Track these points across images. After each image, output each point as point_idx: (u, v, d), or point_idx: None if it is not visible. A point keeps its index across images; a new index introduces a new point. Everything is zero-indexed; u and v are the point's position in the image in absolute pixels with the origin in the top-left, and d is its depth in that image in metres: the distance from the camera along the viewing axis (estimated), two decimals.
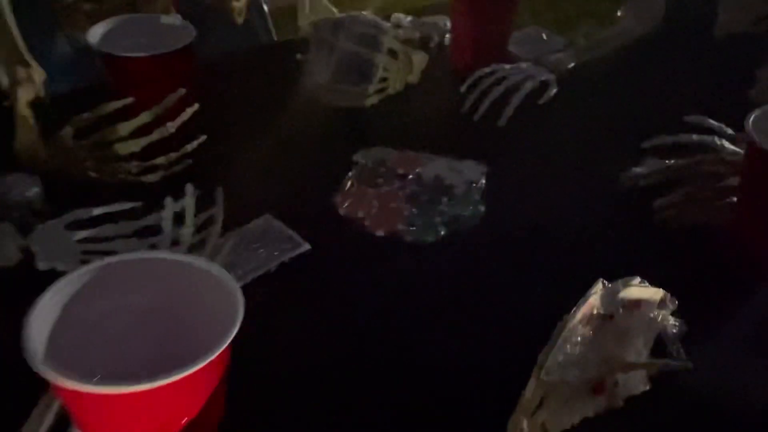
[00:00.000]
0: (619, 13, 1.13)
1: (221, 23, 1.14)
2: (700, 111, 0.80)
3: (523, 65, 0.97)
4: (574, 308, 0.45)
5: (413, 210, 0.73)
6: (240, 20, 1.14)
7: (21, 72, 0.88)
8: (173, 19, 0.81)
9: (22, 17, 0.94)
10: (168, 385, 0.36)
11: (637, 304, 0.47)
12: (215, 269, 0.42)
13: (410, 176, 0.78)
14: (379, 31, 0.90)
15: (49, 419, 0.44)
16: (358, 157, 0.82)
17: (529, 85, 0.92)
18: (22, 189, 0.71)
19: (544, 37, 1.12)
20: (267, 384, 0.55)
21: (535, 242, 0.71)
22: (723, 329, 0.61)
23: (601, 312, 0.46)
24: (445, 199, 0.75)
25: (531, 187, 0.79)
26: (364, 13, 0.92)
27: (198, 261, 0.43)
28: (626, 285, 0.47)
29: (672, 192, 0.71)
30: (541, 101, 0.92)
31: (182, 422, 0.39)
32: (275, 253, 0.66)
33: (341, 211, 0.74)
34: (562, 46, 1.08)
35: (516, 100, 0.91)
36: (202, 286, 0.42)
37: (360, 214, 0.73)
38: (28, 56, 0.90)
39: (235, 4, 1.11)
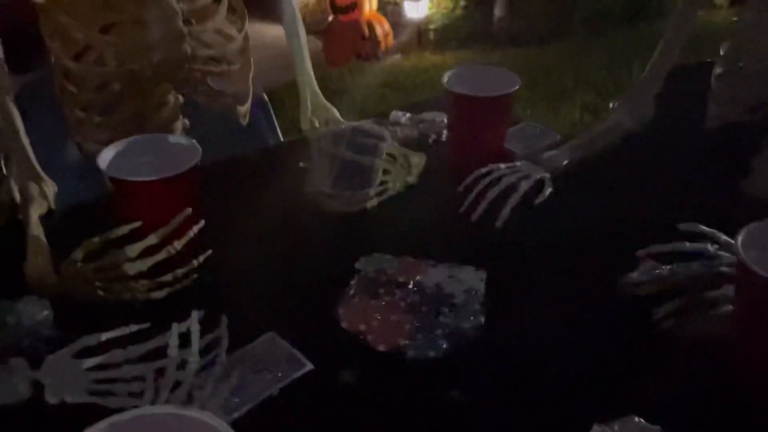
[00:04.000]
0: (611, 106, 1.16)
1: (227, 126, 1.18)
2: (695, 205, 0.80)
3: (518, 164, 1.00)
4: None
5: (414, 323, 0.75)
6: (244, 122, 1.18)
7: (33, 188, 0.91)
8: (181, 138, 0.84)
9: (34, 125, 0.98)
10: None
11: None
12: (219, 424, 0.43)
13: (410, 285, 0.80)
14: (378, 139, 0.93)
15: None
16: (360, 265, 0.84)
17: (524, 186, 0.95)
18: (32, 313, 0.73)
19: (537, 131, 1.15)
20: None
21: (538, 362, 0.71)
22: None
23: None
24: (445, 310, 0.76)
25: (530, 293, 0.81)
26: (363, 122, 0.95)
27: (202, 415, 0.44)
28: (624, 428, 0.47)
29: (669, 300, 0.72)
30: (536, 201, 0.94)
31: None
32: (279, 375, 0.68)
33: (344, 324, 0.76)
34: (557, 140, 1.12)
35: (512, 201, 0.93)
36: None
37: (362, 327, 0.75)
38: (39, 171, 0.94)
39: (240, 108, 1.15)
